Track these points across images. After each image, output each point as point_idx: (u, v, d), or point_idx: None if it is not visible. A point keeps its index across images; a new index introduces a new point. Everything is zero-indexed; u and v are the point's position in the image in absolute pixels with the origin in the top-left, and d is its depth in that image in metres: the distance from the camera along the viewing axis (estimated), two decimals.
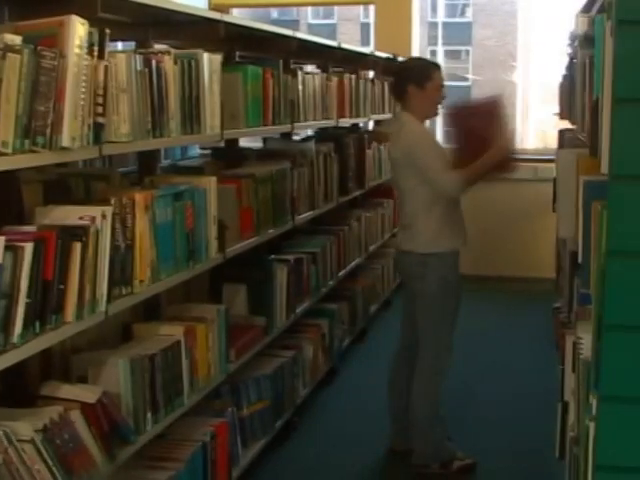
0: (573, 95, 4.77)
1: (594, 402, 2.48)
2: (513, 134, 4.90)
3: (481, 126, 4.81)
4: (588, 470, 2.56)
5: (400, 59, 5.35)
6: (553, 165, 5.89)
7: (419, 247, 4.95)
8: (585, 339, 3.04)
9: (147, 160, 4.30)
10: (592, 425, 2.50)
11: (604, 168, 2.33)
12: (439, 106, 5.02)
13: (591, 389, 2.57)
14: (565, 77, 6.29)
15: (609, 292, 2.31)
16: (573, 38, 5.37)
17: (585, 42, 4.01)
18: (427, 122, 5.38)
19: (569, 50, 5.88)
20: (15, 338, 2.77)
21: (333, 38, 10.63)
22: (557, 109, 7.17)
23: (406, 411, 5.12)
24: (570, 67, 5.42)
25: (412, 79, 4.90)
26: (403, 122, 4.98)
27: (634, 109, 2.24)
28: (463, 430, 5.66)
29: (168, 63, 3.68)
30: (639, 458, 2.37)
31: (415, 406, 5.05)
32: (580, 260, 3.13)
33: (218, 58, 4.23)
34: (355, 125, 8.15)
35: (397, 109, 5.05)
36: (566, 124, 6.32)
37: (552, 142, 7.85)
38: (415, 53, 9.86)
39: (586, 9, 4.47)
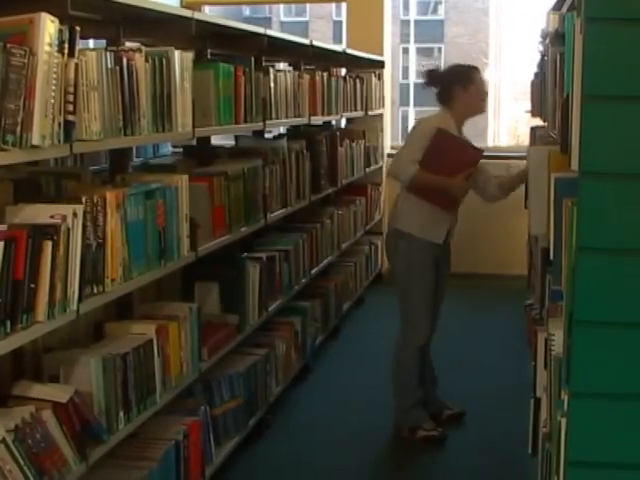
0: (544, 92, 4.79)
1: (566, 398, 2.49)
2: (467, 188, 5.42)
3: (454, 161, 5.27)
4: (560, 466, 2.57)
5: (441, 68, 5.78)
6: (525, 162, 5.91)
7: (394, 222, 5.46)
8: (557, 336, 3.05)
9: (119, 158, 4.28)
10: (564, 421, 2.51)
11: (574, 165, 2.35)
12: (484, 103, 5.56)
13: (563, 385, 2.58)
14: (537, 74, 6.31)
15: (579, 288, 2.32)
16: (544, 35, 5.39)
17: (556, 39, 4.03)
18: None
19: (540, 47, 5.90)
20: None
21: (305, 36, 10.62)
22: (529, 106, 7.20)
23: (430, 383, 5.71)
24: (541, 64, 5.45)
25: (458, 83, 5.36)
26: (435, 116, 5.48)
27: (603, 106, 2.25)
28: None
29: (139, 61, 3.66)
30: (610, 454, 2.38)
31: (392, 372, 5.56)
32: (551, 257, 3.14)
33: (189, 56, 4.22)
34: (327, 123, 8.15)
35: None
36: (538, 121, 6.34)
37: (524, 139, 7.89)
38: (387, 51, 9.87)
39: (557, 6, 4.49)
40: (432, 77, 5.55)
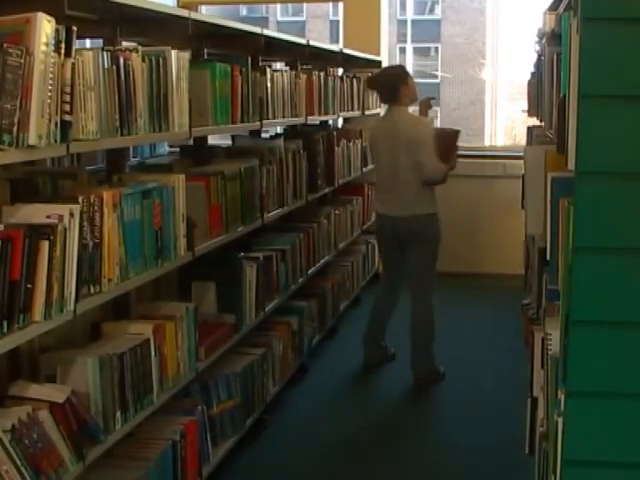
0: (541, 92, 4.79)
1: (562, 398, 2.49)
2: (456, 160, 6.51)
3: (447, 147, 6.33)
4: (557, 465, 2.57)
5: (384, 70, 7.05)
6: (522, 162, 5.92)
7: (416, 208, 6.32)
8: (554, 335, 3.05)
9: (115, 158, 4.28)
10: (560, 420, 2.52)
11: (571, 165, 2.35)
12: (416, 92, 6.50)
13: (559, 385, 2.59)
14: (533, 74, 6.32)
15: (576, 288, 2.32)
16: (541, 35, 5.40)
17: (552, 39, 4.04)
18: None
19: (537, 47, 5.91)
20: None
21: (302, 35, 10.62)
22: (525, 106, 7.21)
23: (381, 334, 6.87)
24: (538, 64, 5.45)
25: (402, 82, 6.35)
26: (402, 113, 6.38)
27: (600, 106, 2.25)
28: (432, 426, 5.68)
29: (136, 60, 3.66)
30: (606, 453, 2.39)
31: (418, 332, 6.50)
32: (548, 256, 3.15)
33: (186, 55, 4.21)
34: (324, 122, 8.15)
35: (389, 106, 6.52)
36: (534, 121, 6.35)
37: (521, 139, 7.90)
38: (384, 50, 9.86)
39: (553, 6, 4.50)
40: (374, 82, 6.70)
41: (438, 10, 35.80)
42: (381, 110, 9.82)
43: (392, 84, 6.37)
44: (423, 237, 6.42)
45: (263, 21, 33.16)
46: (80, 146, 3.29)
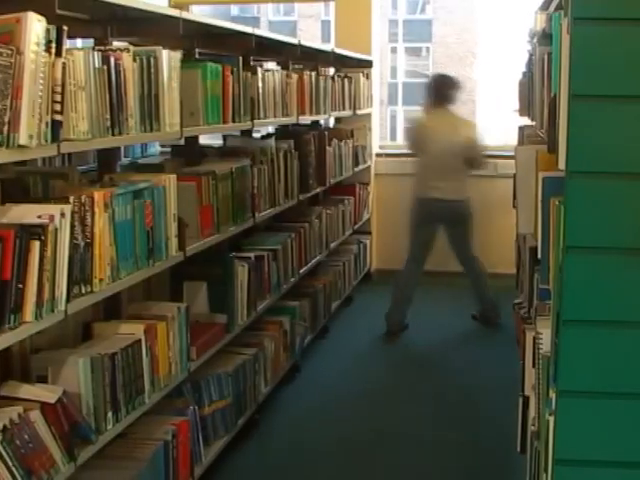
0: (532, 91, 4.80)
1: (553, 397, 2.50)
2: None
3: None
4: (549, 464, 2.58)
5: (442, 76, 8.13)
6: (513, 161, 5.92)
7: (467, 193, 7.69)
8: (545, 334, 3.06)
9: (106, 158, 4.27)
10: (552, 419, 2.52)
11: (561, 164, 2.35)
12: None
13: (550, 384, 2.59)
14: (524, 74, 6.32)
15: (567, 287, 2.33)
16: (532, 35, 5.41)
17: (543, 39, 4.05)
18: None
19: (528, 47, 5.92)
20: None
21: (293, 35, 10.60)
22: (517, 106, 7.21)
23: (407, 303, 7.65)
24: (529, 64, 5.46)
25: (457, 91, 7.77)
26: (454, 113, 7.76)
27: (590, 105, 2.25)
28: (425, 424, 5.68)
29: (127, 60, 3.66)
30: (597, 451, 2.39)
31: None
32: (539, 256, 3.15)
33: (177, 55, 4.21)
34: (315, 122, 8.14)
35: (439, 106, 7.74)
36: (526, 120, 6.35)
37: (512, 139, 7.90)
38: (375, 50, 9.87)
39: (544, 6, 4.50)
40: (437, 77, 8.10)
41: (429, 10, 35.80)
42: (372, 110, 9.85)
43: (453, 91, 7.78)
44: (468, 215, 7.76)
45: (254, 21, 33.12)
46: (71, 146, 3.28)
